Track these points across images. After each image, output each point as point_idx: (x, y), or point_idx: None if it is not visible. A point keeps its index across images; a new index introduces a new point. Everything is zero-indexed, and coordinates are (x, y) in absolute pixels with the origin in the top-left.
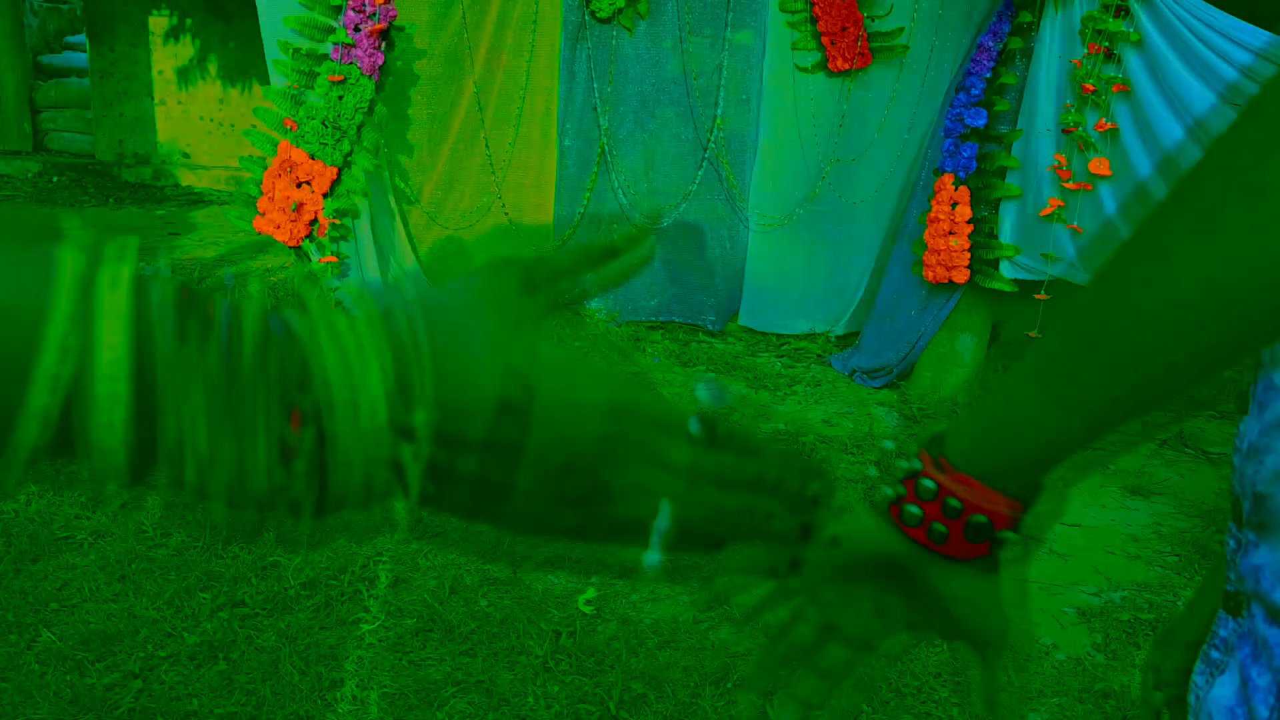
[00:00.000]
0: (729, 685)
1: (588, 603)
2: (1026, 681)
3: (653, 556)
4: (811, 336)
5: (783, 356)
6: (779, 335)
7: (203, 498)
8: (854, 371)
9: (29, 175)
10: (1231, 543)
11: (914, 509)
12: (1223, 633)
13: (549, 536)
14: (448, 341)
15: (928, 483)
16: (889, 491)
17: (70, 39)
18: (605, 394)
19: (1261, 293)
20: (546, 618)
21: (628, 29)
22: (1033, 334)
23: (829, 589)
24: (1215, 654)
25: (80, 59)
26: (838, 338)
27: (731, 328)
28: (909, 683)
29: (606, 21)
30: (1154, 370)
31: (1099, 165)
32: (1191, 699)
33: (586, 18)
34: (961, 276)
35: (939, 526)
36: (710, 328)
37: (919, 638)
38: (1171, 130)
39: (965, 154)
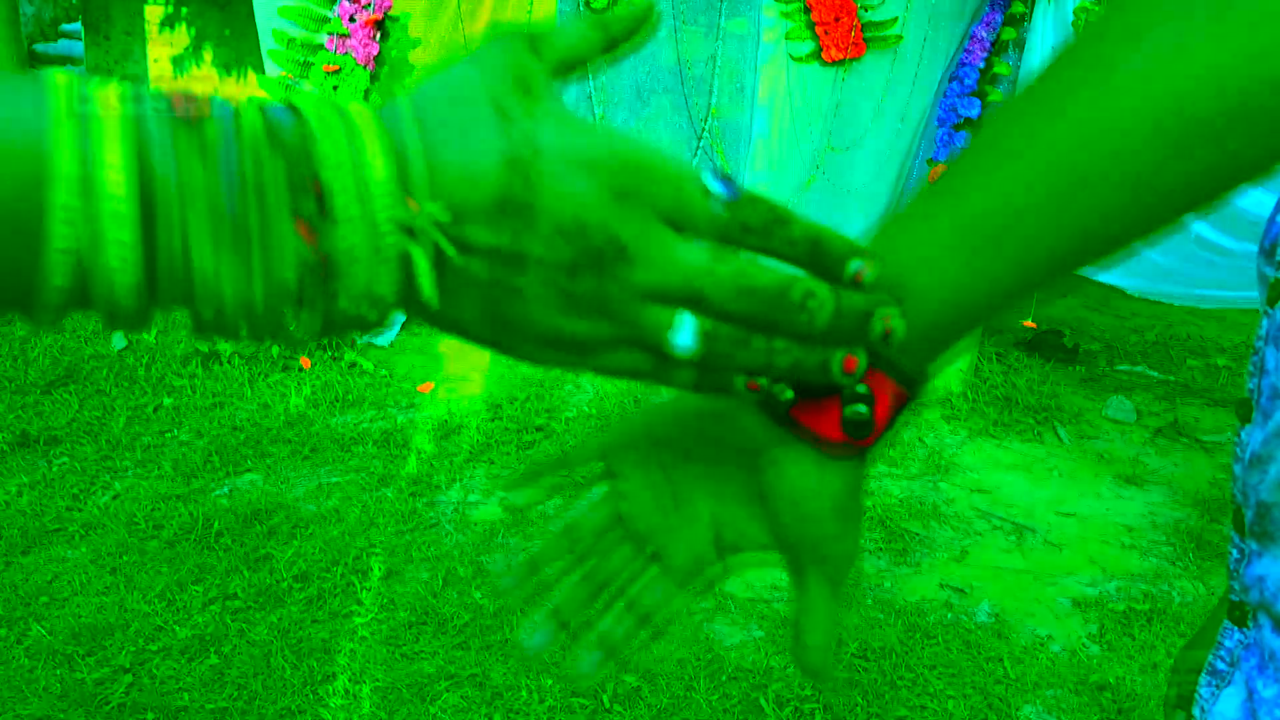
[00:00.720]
0: (724, 678)
1: None
2: (1022, 673)
3: (684, 337)
4: None
5: None
6: None
7: (217, 326)
8: None
9: None
10: (1234, 552)
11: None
12: (1228, 644)
13: (565, 339)
14: (445, 134)
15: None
16: None
17: (66, 27)
18: (616, 150)
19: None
20: (540, 608)
21: None
22: (1027, 322)
23: (637, 474)
24: (1221, 665)
25: (76, 47)
26: None
27: None
28: (903, 675)
29: (601, 11)
30: (1096, 204)
31: None
32: (1196, 711)
33: (581, 7)
34: None
35: (784, 389)
36: None
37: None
38: None
39: (958, 143)
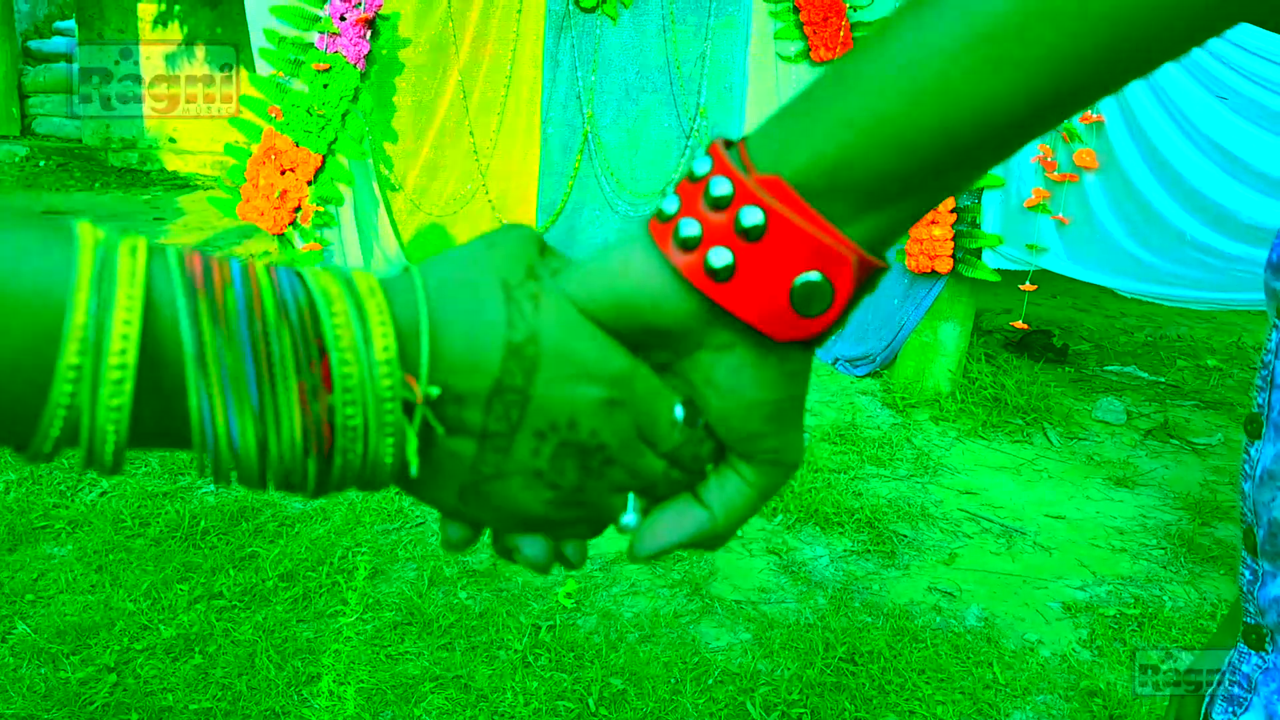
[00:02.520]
0: (710, 682)
1: (568, 595)
2: (1011, 678)
3: (632, 518)
4: None
5: None
6: None
7: (221, 477)
8: (836, 360)
9: (16, 160)
10: (1247, 574)
11: (692, 224)
12: (1245, 668)
13: (538, 518)
14: (453, 314)
15: (720, 182)
16: (667, 211)
17: (59, 24)
18: (611, 364)
19: None
20: (526, 611)
21: (611, 17)
22: (1017, 324)
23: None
24: (1237, 690)
25: (70, 45)
26: None
27: None
28: (891, 680)
29: (590, 10)
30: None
31: (1084, 157)
32: None
33: (570, 6)
34: (944, 266)
35: (723, 254)
36: None
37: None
38: (1158, 123)
39: None
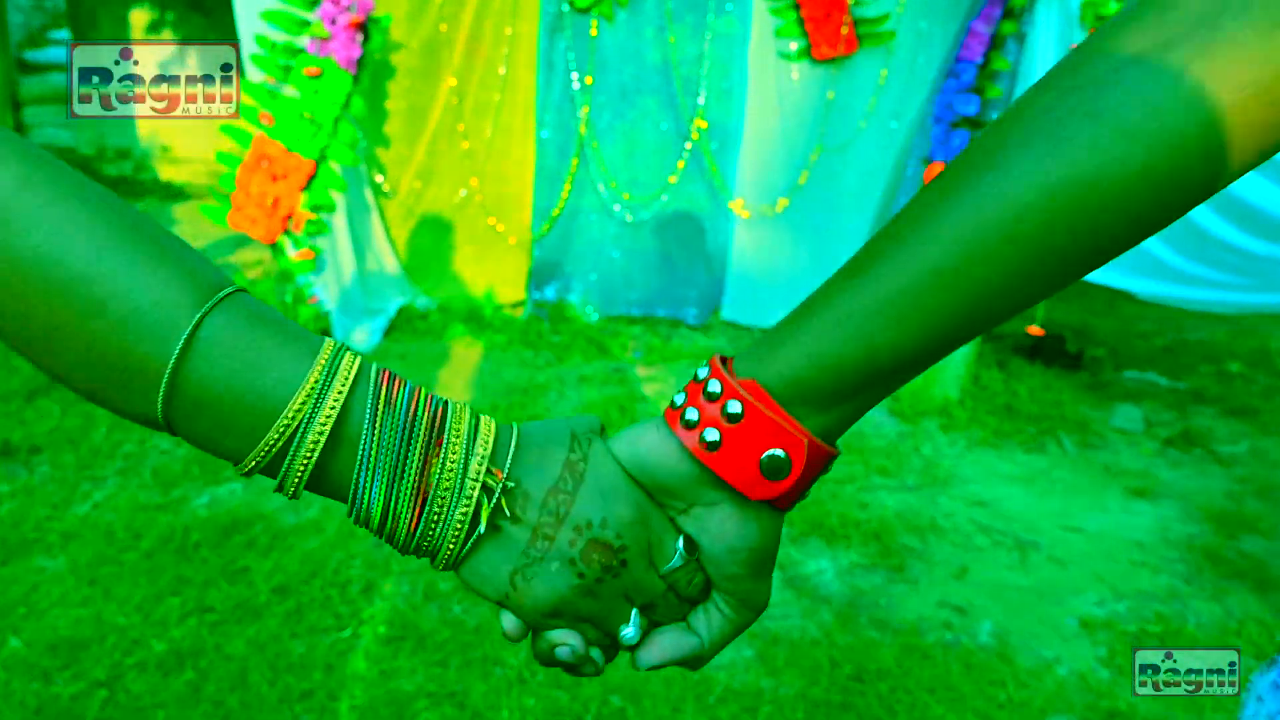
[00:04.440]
0: (712, 700)
1: None
2: (1027, 698)
3: (633, 632)
4: None
5: None
6: (763, 328)
7: (363, 523)
8: None
9: None
10: None
11: (694, 411)
12: None
13: (565, 602)
14: (534, 440)
15: (714, 383)
16: (677, 402)
17: (53, 34)
18: (637, 489)
19: (1091, 207)
20: None
21: (607, 18)
22: (1032, 329)
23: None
24: None
25: (64, 54)
26: None
27: (714, 322)
28: (901, 699)
29: (585, 11)
30: (985, 276)
31: None
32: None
33: (565, 8)
34: None
35: (713, 432)
36: (692, 322)
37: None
38: None
39: (955, 142)
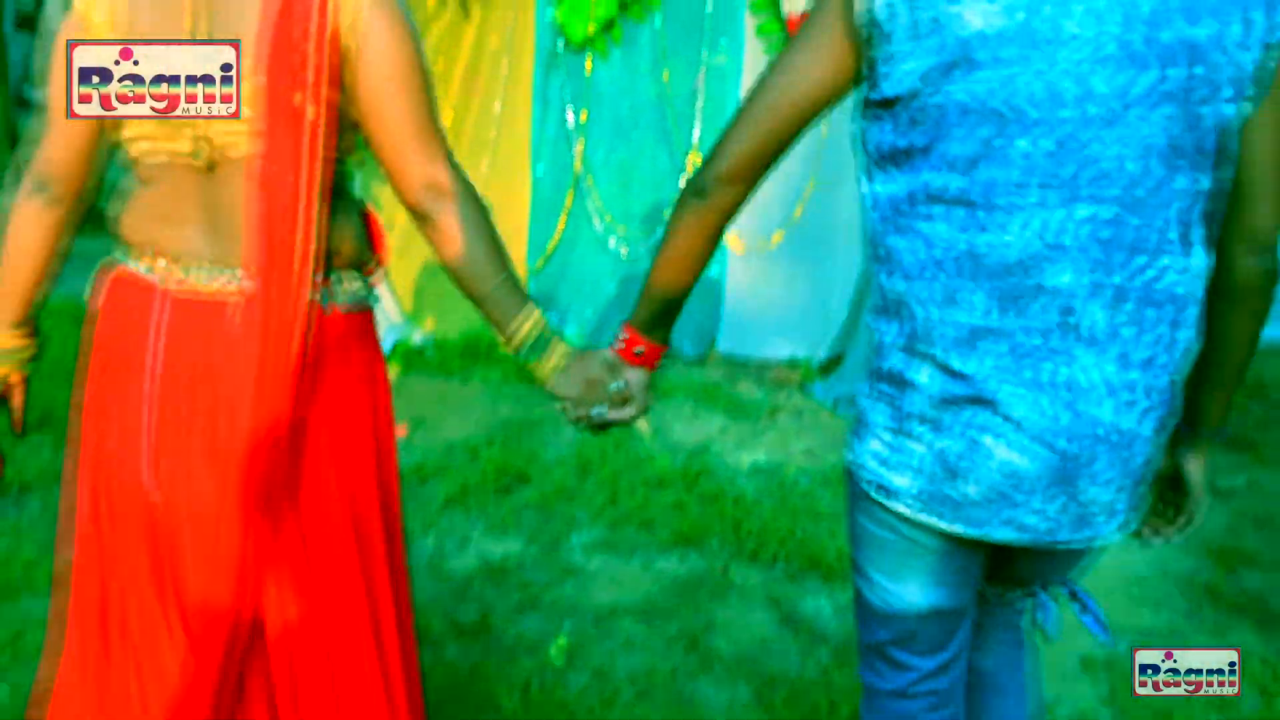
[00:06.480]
0: None
1: (560, 651)
2: None
3: (603, 409)
4: (793, 363)
5: (763, 385)
6: (759, 361)
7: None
8: (837, 401)
9: (9, 208)
10: None
11: (622, 344)
12: None
13: (588, 407)
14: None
15: (624, 332)
16: (617, 344)
17: None
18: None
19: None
20: (517, 667)
21: (601, 55)
22: None
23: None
24: None
25: None
26: (821, 363)
27: (711, 354)
28: None
29: (580, 49)
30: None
31: None
32: None
33: (560, 45)
34: None
35: (639, 351)
36: (689, 355)
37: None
38: None
39: None
